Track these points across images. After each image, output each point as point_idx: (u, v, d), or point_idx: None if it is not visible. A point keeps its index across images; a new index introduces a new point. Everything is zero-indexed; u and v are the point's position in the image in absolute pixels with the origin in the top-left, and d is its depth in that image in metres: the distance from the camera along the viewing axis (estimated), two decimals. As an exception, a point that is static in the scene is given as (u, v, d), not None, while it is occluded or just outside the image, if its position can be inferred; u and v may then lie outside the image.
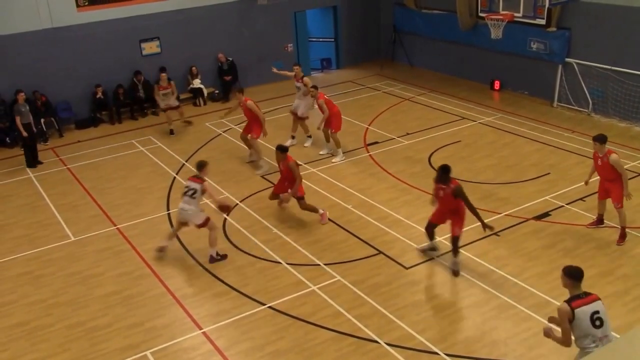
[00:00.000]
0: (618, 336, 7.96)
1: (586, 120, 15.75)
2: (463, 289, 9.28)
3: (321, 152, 14.43)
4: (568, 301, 6.14)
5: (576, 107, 16.23)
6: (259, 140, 13.90)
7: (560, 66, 16.36)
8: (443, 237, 10.53)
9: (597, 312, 6.11)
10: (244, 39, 19.52)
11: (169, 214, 12.03)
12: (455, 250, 9.63)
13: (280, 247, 10.66)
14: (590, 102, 15.84)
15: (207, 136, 16.04)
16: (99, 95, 17.38)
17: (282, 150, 11.10)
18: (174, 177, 13.53)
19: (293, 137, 15.06)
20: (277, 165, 11.58)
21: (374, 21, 22.09)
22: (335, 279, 9.67)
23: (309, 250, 10.51)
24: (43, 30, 16.60)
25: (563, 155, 13.68)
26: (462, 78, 19.38)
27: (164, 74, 16.51)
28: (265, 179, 13.30)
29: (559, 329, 6.34)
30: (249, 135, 13.91)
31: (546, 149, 14.09)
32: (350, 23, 21.60)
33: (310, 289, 9.47)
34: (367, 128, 15.90)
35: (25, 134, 14.24)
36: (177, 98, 16.65)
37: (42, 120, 16.34)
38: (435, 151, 14.24)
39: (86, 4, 17.08)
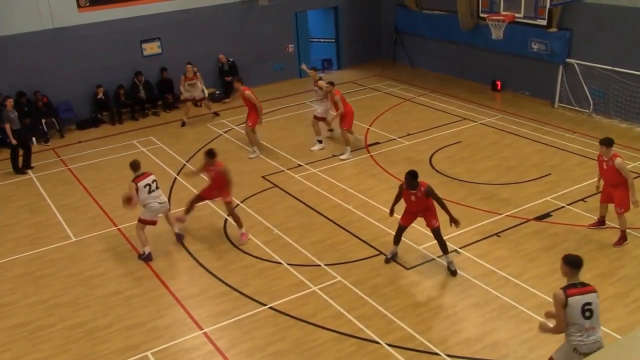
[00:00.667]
0: (619, 337, 7.98)
1: (587, 120, 15.75)
2: (464, 290, 9.28)
3: (342, 157, 14.15)
4: (564, 288, 6.28)
5: (577, 108, 16.22)
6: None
7: (561, 67, 16.35)
8: (444, 237, 10.56)
9: (590, 303, 6.24)
10: (244, 40, 19.53)
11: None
12: (442, 244, 9.64)
13: (281, 248, 10.66)
14: (592, 102, 15.84)
15: (207, 137, 16.04)
16: (100, 95, 17.39)
17: (210, 155, 10.59)
18: (175, 178, 13.53)
19: (320, 142, 14.82)
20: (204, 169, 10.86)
21: (374, 22, 22.10)
22: (336, 280, 9.67)
23: (309, 250, 10.52)
24: (44, 31, 16.61)
25: (564, 156, 13.68)
26: (463, 79, 19.38)
27: (189, 65, 16.95)
28: (266, 179, 13.30)
29: (552, 321, 6.50)
30: (246, 123, 14.46)
31: (547, 150, 14.08)
32: (351, 24, 21.60)
33: (311, 289, 9.47)
34: (368, 129, 15.90)
35: (14, 141, 14.04)
36: (203, 91, 17.22)
37: (44, 120, 16.36)
38: (436, 152, 14.24)
39: (87, 4, 17.09)
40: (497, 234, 10.66)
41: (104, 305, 9.43)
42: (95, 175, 14.09)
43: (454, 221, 9.43)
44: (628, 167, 12.79)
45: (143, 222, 10.30)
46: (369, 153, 14.40)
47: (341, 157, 14.13)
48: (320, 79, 15.06)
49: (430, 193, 9.33)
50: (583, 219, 10.93)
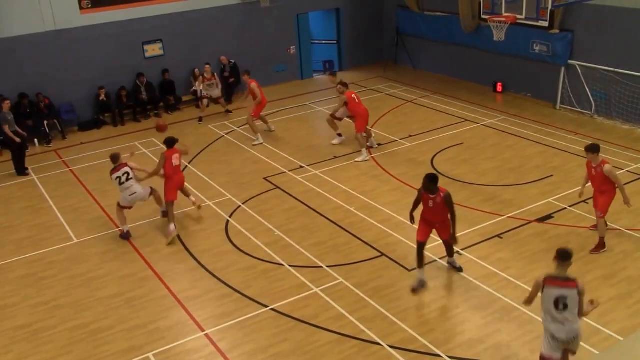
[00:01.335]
0: (621, 339, 7.97)
1: (589, 122, 15.74)
2: (466, 292, 9.27)
3: (357, 160, 14.10)
4: (547, 276, 6.66)
5: (579, 109, 16.21)
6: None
7: (563, 68, 16.35)
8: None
9: (565, 297, 6.49)
10: (246, 42, 19.55)
11: (171, 216, 12.05)
12: (450, 252, 9.64)
13: (283, 249, 10.66)
14: (593, 104, 15.82)
15: (209, 138, 16.05)
16: (102, 97, 17.41)
17: (169, 143, 11.40)
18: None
19: (340, 135, 15.11)
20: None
21: (376, 23, 22.11)
22: (338, 281, 9.67)
23: (311, 252, 10.52)
24: (46, 33, 16.64)
25: (566, 158, 13.66)
26: (464, 80, 19.38)
27: (208, 66, 17.65)
28: (267, 180, 13.31)
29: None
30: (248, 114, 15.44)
31: (549, 151, 14.07)
32: (353, 25, 21.61)
33: (312, 291, 9.47)
34: (370, 130, 15.87)
35: (18, 140, 14.11)
36: (220, 90, 17.92)
37: (46, 122, 16.38)
38: (438, 153, 14.23)
39: (89, 6, 17.12)
40: (499, 236, 10.66)
41: (106, 306, 9.44)
42: (97, 176, 14.08)
43: (454, 238, 9.19)
44: (629, 168, 12.84)
45: (120, 207, 11.26)
46: (371, 154, 14.40)
47: (356, 159, 14.09)
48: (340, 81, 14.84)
49: (448, 200, 8.92)
50: (585, 221, 10.92)
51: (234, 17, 19.22)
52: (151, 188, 11.46)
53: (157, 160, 11.71)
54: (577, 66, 15.96)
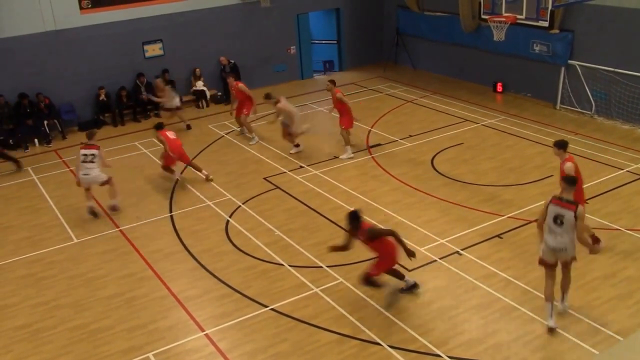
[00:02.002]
0: (621, 339, 7.97)
1: (589, 122, 15.73)
2: (466, 292, 9.26)
3: (342, 157, 14.15)
4: (553, 197, 7.92)
5: (579, 110, 16.20)
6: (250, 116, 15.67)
7: (563, 68, 16.35)
8: (446, 239, 10.56)
9: (562, 215, 7.75)
10: (246, 42, 19.55)
11: (171, 215, 12.05)
12: (399, 276, 9.15)
13: (283, 249, 10.66)
14: (593, 104, 15.82)
15: (210, 138, 16.05)
16: (102, 97, 17.42)
17: (159, 126, 13.28)
18: (176, 179, 13.52)
19: (298, 145, 14.81)
20: None
21: (376, 24, 22.11)
22: (338, 281, 9.67)
23: (311, 252, 10.51)
24: (46, 33, 16.65)
25: (566, 158, 13.64)
26: (464, 80, 19.38)
27: (158, 80, 17.33)
28: (267, 180, 13.31)
29: None
30: (242, 115, 15.60)
31: (549, 151, 13.92)
32: (353, 25, 21.61)
33: (312, 291, 9.47)
34: (370, 130, 15.90)
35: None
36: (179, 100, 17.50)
37: (46, 122, 16.38)
38: (438, 153, 14.23)
39: (89, 6, 17.12)
40: (499, 236, 10.66)
41: (106, 306, 9.44)
42: (97, 176, 14.09)
43: (411, 254, 8.68)
44: (629, 168, 12.83)
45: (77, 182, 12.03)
46: (371, 154, 14.40)
47: (340, 156, 14.11)
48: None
49: (372, 235, 8.49)
50: (585, 221, 10.89)
51: (234, 17, 19.22)
52: (109, 177, 11.98)
53: (157, 160, 11.76)
54: (577, 66, 15.96)
